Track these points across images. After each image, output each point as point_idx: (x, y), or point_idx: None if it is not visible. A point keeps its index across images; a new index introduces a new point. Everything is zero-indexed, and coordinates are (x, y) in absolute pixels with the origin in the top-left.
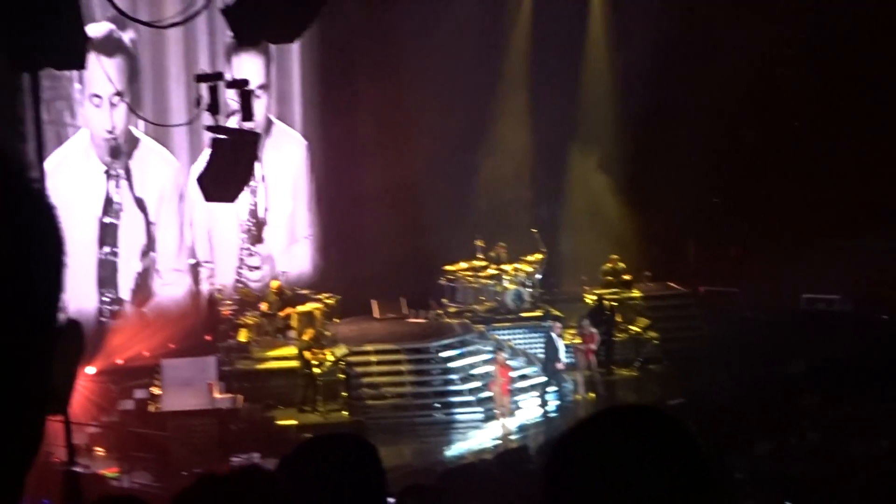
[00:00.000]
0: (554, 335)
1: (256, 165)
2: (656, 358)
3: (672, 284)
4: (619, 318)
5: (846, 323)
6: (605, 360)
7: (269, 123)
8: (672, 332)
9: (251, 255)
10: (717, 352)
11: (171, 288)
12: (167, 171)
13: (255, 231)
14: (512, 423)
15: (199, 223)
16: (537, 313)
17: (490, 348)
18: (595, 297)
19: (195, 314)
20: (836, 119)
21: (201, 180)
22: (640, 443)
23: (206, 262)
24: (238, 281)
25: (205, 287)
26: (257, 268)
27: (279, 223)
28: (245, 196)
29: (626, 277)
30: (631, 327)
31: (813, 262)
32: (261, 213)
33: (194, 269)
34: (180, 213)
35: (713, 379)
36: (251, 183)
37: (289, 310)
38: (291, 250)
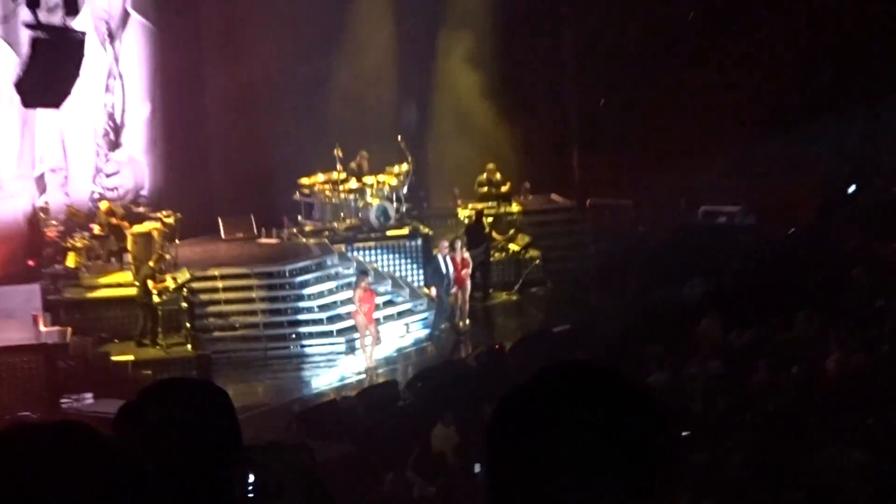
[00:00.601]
0: (441, 257)
1: (111, 63)
2: (538, 280)
3: (555, 197)
4: (496, 236)
5: (748, 238)
6: (482, 283)
7: (125, 15)
8: (556, 250)
9: (108, 161)
10: (607, 273)
11: (13, 201)
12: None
13: (113, 135)
14: (377, 355)
15: (48, 126)
16: (404, 231)
17: (352, 272)
18: (469, 213)
19: (17, 235)
20: (733, 9)
21: (19, 85)
22: (590, 403)
23: (58, 168)
24: (97, 195)
25: (57, 198)
26: (115, 173)
27: (137, 127)
28: (99, 94)
29: (504, 190)
30: (510, 246)
31: (711, 171)
32: (118, 116)
33: (41, 180)
34: (21, 113)
35: (602, 303)
36: (107, 81)
37: (125, 228)
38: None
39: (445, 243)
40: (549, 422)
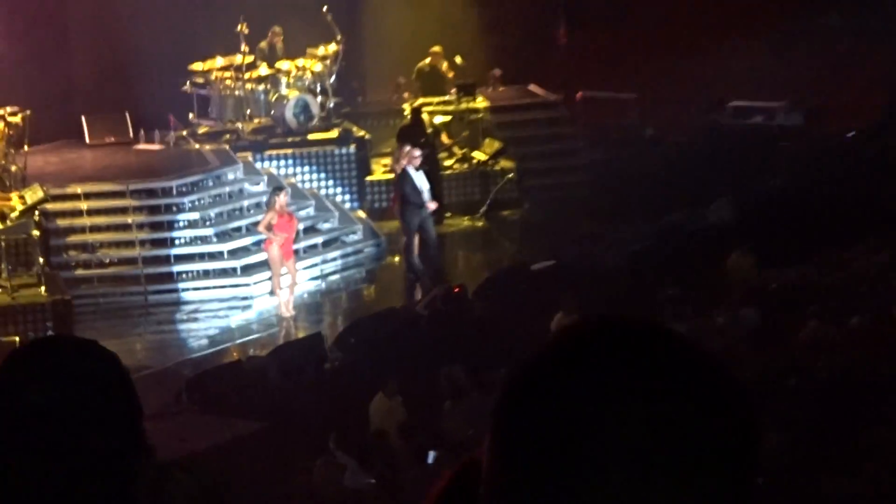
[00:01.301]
0: (411, 170)
1: None
2: (512, 200)
3: (535, 89)
4: (446, 140)
5: (793, 144)
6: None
7: None
8: (535, 160)
9: None
10: (604, 190)
11: None
12: None
13: None
14: (296, 301)
15: None
16: (332, 134)
17: (262, 189)
18: (406, 109)
19: None
20: None
21: None
22: (664, 390)
23: None
24: None
25: None
26: None
27: None
28: None
29: (454, 78)
30: (474, 154)
31: (744, 55)
32: None
33: None
34: None
35: (598, 231)
36: None
37: None
38: None
39: (417, 151)
40: (601, 413)
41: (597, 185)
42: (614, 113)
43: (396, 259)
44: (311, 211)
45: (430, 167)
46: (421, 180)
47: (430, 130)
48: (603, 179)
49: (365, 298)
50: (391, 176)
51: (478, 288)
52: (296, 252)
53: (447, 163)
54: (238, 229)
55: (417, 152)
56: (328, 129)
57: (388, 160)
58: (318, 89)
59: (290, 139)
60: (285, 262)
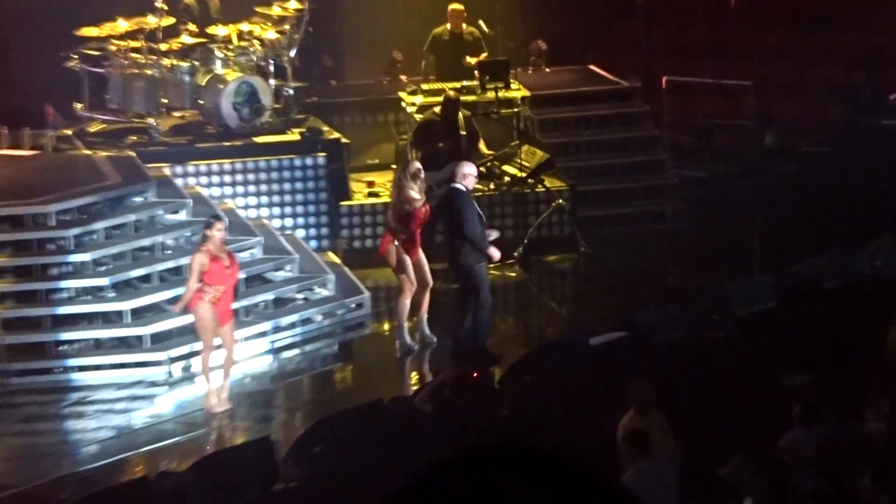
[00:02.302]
0: (461, 187)
1: None
2: (562, 239)
3: (597, 70)
4: (490, 153)
5: None
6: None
7: None
8: (598, 178)
9: None
10: (701, 225)
11: None
12: None
13: None
14: (233, 385)
15: None
16: (292, 136)
17: (185, 218)
18: (424, 101)
19: None
20: None
21: None
22: None
23: None
24: None
25: None
26: None
27: None
28: None
29: (483, 58)
30: (506, 168)
31: None
32: None
33: None
34: None
35: (688, 287)
36: None
37: None
38: None
39: (466, 167)
40: None
41: (691, 218)
42: (717, 109)
43: (385, 326)
44: (257, 252)
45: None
46: (468, 211)
47: (462, 133)
48: (700, 208)
49: (337, 385)
50: (378, 200)
51: (508, 371)
52: (235, 314)
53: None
54: (146, 278)
55: (469, 168)
56: (286, 128)
57: (377, 175)
58: (272, 68)
59: (228, 143)
60: (219, 330)
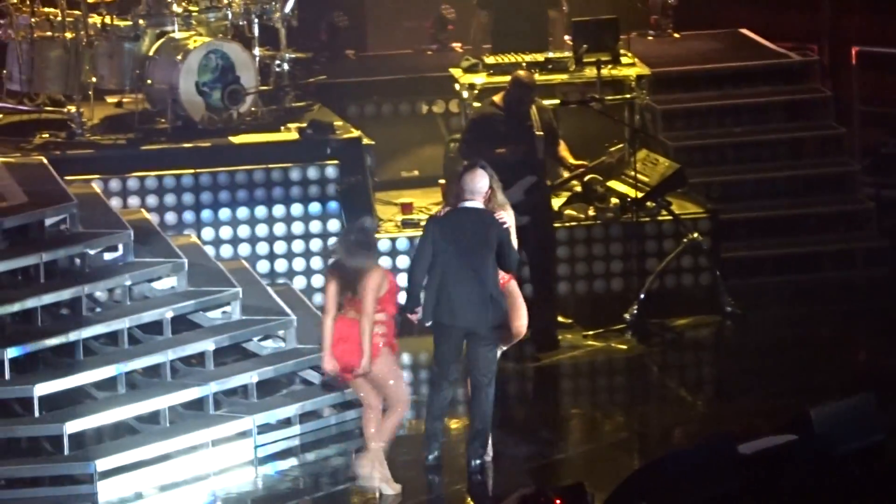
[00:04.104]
0: (508, 221)
1: None
2: (700, 292)
3: (751, 36)
4: (579, 163)
5: None
6: (539, 296)
7: None
8: (753, 199)
9: None
10: None
11: None
12: None
13: None
14: None
15: None
16: (287, 135)
17: (120, 254)
18: (475, 84)
19: None
20: None
21: None
22: None
23: None
24: None
25: None
26: None
27: None
28: None
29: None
30: (613, 184)
31: None
32: None
33: None
34: None
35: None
36: None
37: None
38: None
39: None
40: None
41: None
42: None
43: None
44: (235, 311)
45: (537, 215)
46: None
47: (539, 133)
48: None
49: None
50: (419, 231)
51: (613, 497)
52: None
53: (559, 206)
54: (65, 350)
55: (476, 181)
56: (278, 123)
57: (417, 195)
58: (256, 31)
59: (189, 145)
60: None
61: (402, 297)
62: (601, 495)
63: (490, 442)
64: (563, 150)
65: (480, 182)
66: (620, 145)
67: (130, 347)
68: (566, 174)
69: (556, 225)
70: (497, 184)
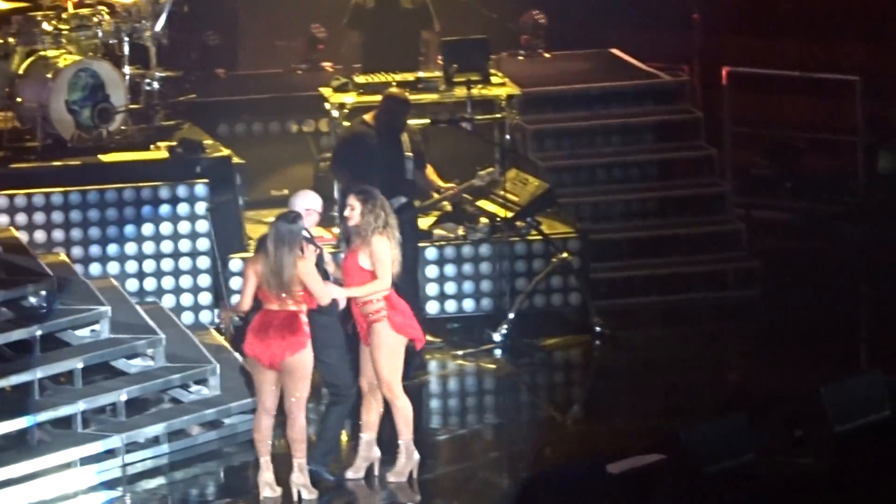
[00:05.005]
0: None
1: None
2: (569, 313)
3: (621, 56)
4: (449, 186)
5: None
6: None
7: None
8: (625, 223)
9: None
10: (797, 295)
11: None
12: None
13: None
14: None
15: None
16: (157, 154)
17: None
18: (346, 104)
19: None
20: None
21: None
22: None
23: None
24: None
25: None
26: None
27: None
28: None
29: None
30: (483, 204)
31: None
32: None
33: None
34: None
35: (765, 389)
36: None
37: None
38: None
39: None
40: None
41: (766, 282)
42: (807, 116)
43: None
44: (103, 330)
45: (404, 236)
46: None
47: (407, 155)
48: (780, 268)
49: None
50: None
51: None
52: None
53: (429, 225)
54: None
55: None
56: (148, 141)
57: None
58: (127, 50)
59: (59, 163)
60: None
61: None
62: None
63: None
64: (431, 174)
65: (299, 201)
66: (491, 168)
67: None
68: (436, 196)
69: (425, 244)
70: (372, 208)
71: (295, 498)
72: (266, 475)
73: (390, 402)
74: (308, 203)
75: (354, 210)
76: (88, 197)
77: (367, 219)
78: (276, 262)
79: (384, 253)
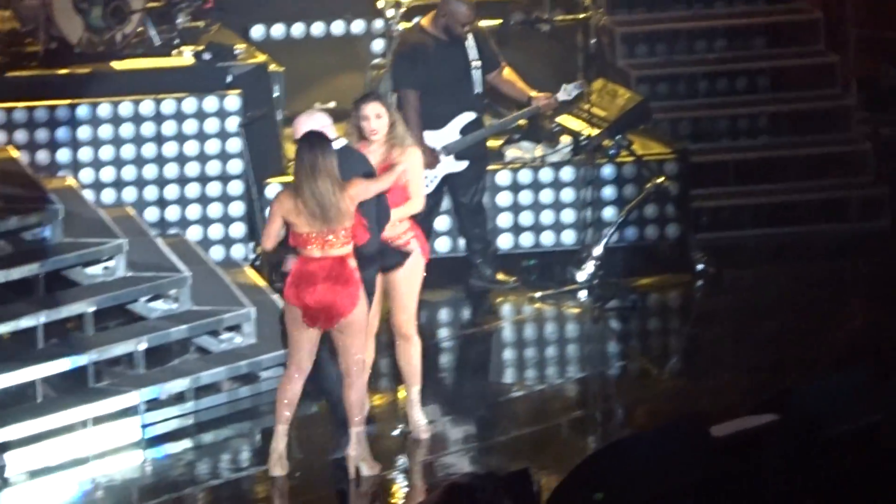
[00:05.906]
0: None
1: None
2: (673, 249)
3: None
4: (539, 95)
5: None
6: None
7: None
8: (732, 143)
9: None
10: None
11: None
12: None
13: None
14: None
15: None
16: (179, 60)
17: None
18: (401, 2)
19: None
20: None
21: None
22: None
23: None
24: None
25: None
26: None
27: None
28: None
29: None
30: (564, 123)
31: None
32: None
33: None
34: None
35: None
36: None
37: None
38: None
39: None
40: None
41: None
42: None
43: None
44: (119, 267)
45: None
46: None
47: (475, 63)
48: None
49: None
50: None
51: (563, 485)
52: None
53: (500, 144)
54: None
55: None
56: (170, 46)
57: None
58: None
59: (65, 71)
60: None
61: None
62: (550, 483)
63: (423, 421)
64: (516, 79)
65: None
66: (580, 81)
67: None
68: (514, 111)
69: (496, 167)
70: (397, 114)
71: (352, 473)
72: (281, 447)
73: (406, 340)
74: (317, 123)
75: (381, 119)
76: (99, 111)
77: (398, 128)
78: (318, 198)
79: (420, 166)
